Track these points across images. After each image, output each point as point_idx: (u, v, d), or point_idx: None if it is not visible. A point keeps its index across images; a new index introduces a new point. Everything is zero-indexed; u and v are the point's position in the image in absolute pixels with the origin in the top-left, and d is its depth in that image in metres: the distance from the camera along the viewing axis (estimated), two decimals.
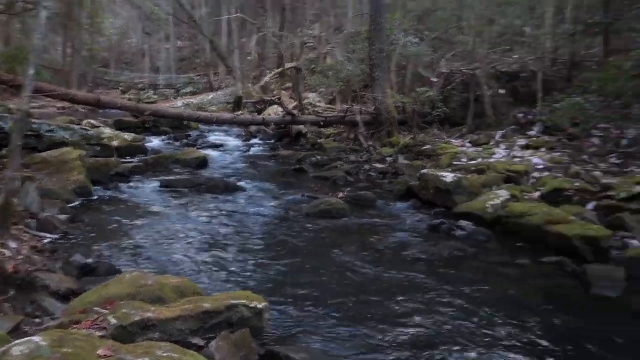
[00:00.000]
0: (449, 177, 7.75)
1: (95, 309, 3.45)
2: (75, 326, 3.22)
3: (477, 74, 12.90)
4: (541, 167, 8.94)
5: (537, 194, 7.66)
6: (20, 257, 3.97)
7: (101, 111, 18.07)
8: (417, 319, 4.09)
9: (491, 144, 11.09)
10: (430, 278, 4.94)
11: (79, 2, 23.59)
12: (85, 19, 27.71)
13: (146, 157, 10.96)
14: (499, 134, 11.51)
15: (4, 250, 3.87)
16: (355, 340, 3.73)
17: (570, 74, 12.54)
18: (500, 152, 10.23)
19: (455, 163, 9.63)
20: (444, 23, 18.55)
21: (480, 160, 9.69)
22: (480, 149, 10.83)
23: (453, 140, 12.01)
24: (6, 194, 4.18)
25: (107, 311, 3.37)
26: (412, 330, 3.88)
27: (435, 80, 14.57)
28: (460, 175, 7.91)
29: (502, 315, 4.19)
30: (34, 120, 9.64)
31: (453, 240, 6.17)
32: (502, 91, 13.21)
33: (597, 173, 7.94)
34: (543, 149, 10.11)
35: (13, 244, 4.20)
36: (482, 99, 12.66)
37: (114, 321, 3.12)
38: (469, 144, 11.44)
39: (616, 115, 9.66)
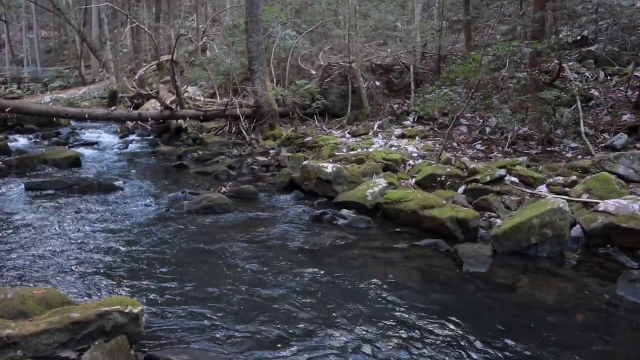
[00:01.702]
0: (329, 167, 7.90)
1: None
2: None
3: (353, 66, 13.28)
4: (416, 155, 9.43)
5: (413, 181, 8.07)
6: None
7: None
8: (303, 309, 4.12)
9: (370, 134, 11.51)
10: (314, 268, 4.99)
11: None
12: None
13: (9, 159, 10.23)
14: (376, 125, 11.97)
15: None
16: (238, 339, 3.67)
17: (439, 67, 13.34)
18: (378, 142, 10.64)
19: (337, 154, 9.85)
20: (320, 17, 18.90)
21: (359, 150, 10.00)
22: (359, 139, 11.19)
23: (334, 132, 12.29)
24: None
25: None
26: (296, 322, 3.90)
27: (314, 73, 14.83)
28: (340, 166, 8.10)
29: (383, 296, 4.37)
30: None
31: (335, 230, 6.29)
32: (378, 83, 13.73)
33: (466, 159, 8.53)
34: (417, 138, 10.67)
35: None
36: (359, 91, 13.09)
37: None
38: (349, 135, 11.77)
39: (480, 105, 10.44)
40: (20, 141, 13.27)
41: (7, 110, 12.94)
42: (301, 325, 3.85)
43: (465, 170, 7.79)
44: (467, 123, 10.99)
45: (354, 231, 6.26)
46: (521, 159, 8.37)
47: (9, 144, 11.88)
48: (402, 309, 4.15)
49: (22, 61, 37.35)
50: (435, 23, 15.29)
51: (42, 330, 3.11)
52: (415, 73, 13.46)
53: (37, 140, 13.59)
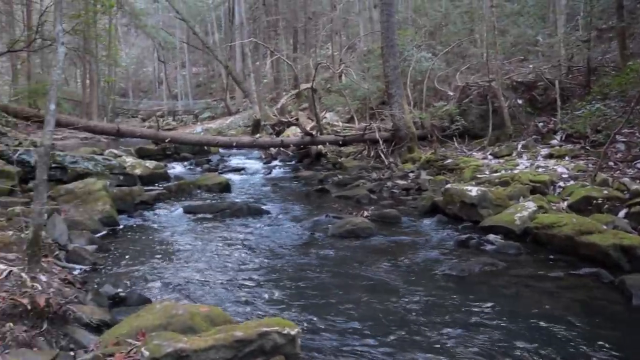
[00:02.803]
0: (473, 190, 7.70)
1: (128, 340, 3.47)
2: (108, 358, 3.24)
3: (493, 85, 12.87)
4: (566, 175, 8.85)
5: (564, 204, 7.57)
6: (51, 290, 3.99)
7: (122, 140, 18.39)
8: (455, 337, 4.02)
9: (513, 154, 11.02)
10: (464, 295, 4.87)
11: (95, 36, 24.11)
12: (102, 51, 28.35)
13: (169, 184, 11.06)
14: (520, 145, 11.44)
15: (35, 283, 3.89)
16: None
17: (588, 80, 12.45)
18: (523, 163, 10.15)
19: (479, 176, 9.57)
20: (455, 37, 18.61)
21: (503, 172, 9.61)
22: (502, 160, 10.77)
23: (474, 153, 11.96)
24: (34, 228, 4.23)
25: (139, 342, 3.38)
26: (448, 350, 3.82)
27: (452, 93, 14.59)
28: (484, 189, 7.86)
29: (542, 331, 4.12)
30: (57, 152, 9.83)
31: (483, 255, 6.09)
32: (520, 101, 13.15)
33: (626, 179, 7.83)
34: (567, 158, 10.01)
35: (43, 277, 4.23)
36: (500, 110, 12.62)
37: (146, 353, 3.11)
38: (490, 156, 11.38)
39: (639, 119, 9.55)
40: (177, 168, 14.51)
41: (166, 141, 14.38)
42: (452, 357, 3.75)
43: (626, 192, 7.16)
44: (624, 139, 10.08)
45: (503, 257, 6.01)
46: None
47: (168, 171, 13.04)
48: (563, 345, 3.87)
49: (176, 95, 41.26)
50: (580, 33, 14.31)
51: (209, 346, 3.28)
52: (561, 88, 12.66)
53: (191, 167, 14.78)
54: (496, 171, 9.77)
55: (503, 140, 12.31)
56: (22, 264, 4.26)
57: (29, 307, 3.53)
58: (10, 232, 5.42)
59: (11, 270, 4.01)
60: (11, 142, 11.08)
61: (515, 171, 9.42)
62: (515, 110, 12.94)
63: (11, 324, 3.35)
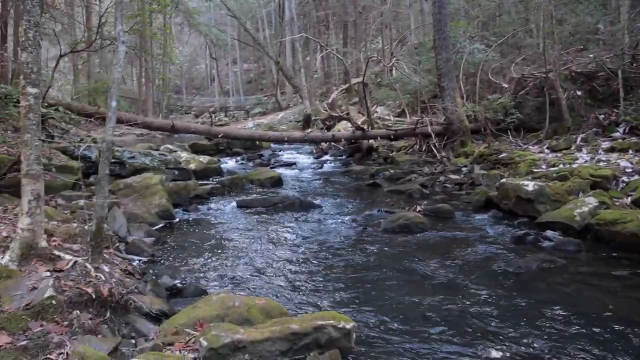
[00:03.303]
0: (530, 185, 7.48)
1: (186, 330, 3.56)
2: (168, 347, 3.33)
3: (550, 76, 12.44)
4: (630, 170, 8.47)
5: (628, 200, 7.26)
6: (113, 280, 4.14)
7: (176, 135, 18.86)
8: (511, 335, 3.92)
9: (572, 148, 10.65)
10: (521, 292, 4.74)
11: (151, 35, 24.80)
12: (157, 50, 29.14)
13: (222, 179, 11.26)
14: (579, 138, 11.03)
15: (98, 273, 4.04)
16: (445, 359, 3.62)
17: None
18: (582, 157, 9.78)
19: (535, 170, 9.28)
20: (510, 27, 18.09)
21: (561, 166, 9.30)
22: (560, 154, 10.42)
23: (530, 147, 11.62)
24: (97, 220, 4.39)
25: (197, 333, 3.46)
26: (509, 350, 3.72)
27: (506, 86, 14.21)
28: (541, 183, 7.62)
29: (603, 332, 3.94)
30: (116, 148, 10.18)
31: (540, 252, 5.91)
32: (579, 92, 12.66)
33: None
34: (630, 151, 9.59)
35: (106, 268, 4.39)
36: (558, 102, 12.19)
37: (205, 343, 3.18)
38: (547, 150, 11.03)
39: None
40: (229, 163, 14.77)
41: (219, 136, 14.64)
42: (513, 357, 3.65)
43: None
44: None
45: (562, 254, 5.81)
46: None
47: (221, 165, 13.25)
48: (627, 348, 3.69)
49: (228, 92, 41.95)
50: None
51: (266, 338, 3.32)
52: (624, 78, 12.10)
53: (243, 162, 15.02)
54: (554, 165, 9.46)
55: (561, 133, 11.89)
56: (86, 254, 4.44)
57: (93, 296, 3.68)
58: (75, 224, 5.66)
59: (76, 261, 4.19)
60: (74, 139, 11.57)
61: (574, 165, 9.10)
62: (574, 102, 12.47)
63: (77, 312, 3.50)
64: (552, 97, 12.44)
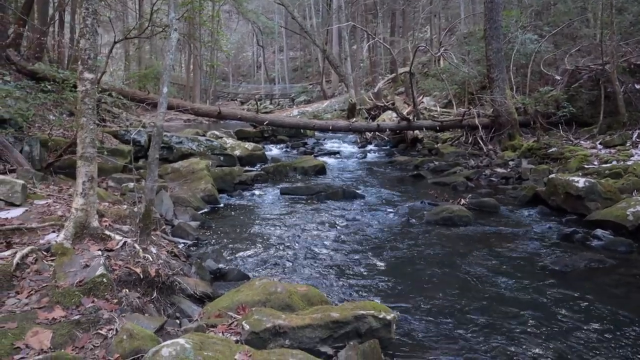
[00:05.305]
0: (580, 181, 7.26)
1: (229, 313, 3.63)
2: (211, 329, 3.41)
3: (607, 68, 11.97)
4: None
5: None
6: (160, 261, 4.24)
7: (222, 122, 19.15)
8: (557, 336, 3.84)
9: (627, 144, 10.26)
10: (566, 291, 4.63)
11: (201, 22, 25.15)
12: (206, 37, 29.55)
13: (266, 166, 11.40)
14: (635, 134, 10.60)
15: (146, 254, 4.16)
16: (486, 355, 3.59)
17: None
18: (638, 154, 9.41)
19: (586, 166, 9.01)
20: (565, 16, 17.46)
21: (614, 162, 8.99)
22: (613, 150, 10.06)
23: (582, 142, 11.25)
24: (146, 203, 4.51)
25: (240, 316, 3.53)
26: (550, 349, 3.66)
27: (559, 78, 13.76)
28: (593, 180, 7.38)
29: None
30: (165, 133, 10.44)
31: (589, 251, 5.76)
32: (637, 86, 12.14)
33: None
34: None
35: (153, 249, 4.51)
36: (615, 96, 11.73)
37: (247, 327, 3.24)
38: (600, 146, 10.66)
39: None
40: (274, 150, 14.93)
41: (264, 123, 14.78)
42: (554, 355, 3.58)
43: None
44: None
45: (612, 254, 5.64)
46: None
47: (266, 152, 13.41)
48: None
49: (274, 79, 42.20)
50: None
51: (306, 325, 3.36)
52: None
53: (287, 150, 15.13)
54: (606, 162, 9.14)
55: (615, 128, 11.45)
56: (135, 235, 4.58)
57: (141, 275, 3.80)
58: (125, 206, 5.84)
59: (126, 241, 4.33)
60: (124, 124, 11.91)
61: (629, 162, 8.77)
62: (631, 96, 11.96)
63: (126, 290, 3.63)
64: (608, 90, 11.98)
